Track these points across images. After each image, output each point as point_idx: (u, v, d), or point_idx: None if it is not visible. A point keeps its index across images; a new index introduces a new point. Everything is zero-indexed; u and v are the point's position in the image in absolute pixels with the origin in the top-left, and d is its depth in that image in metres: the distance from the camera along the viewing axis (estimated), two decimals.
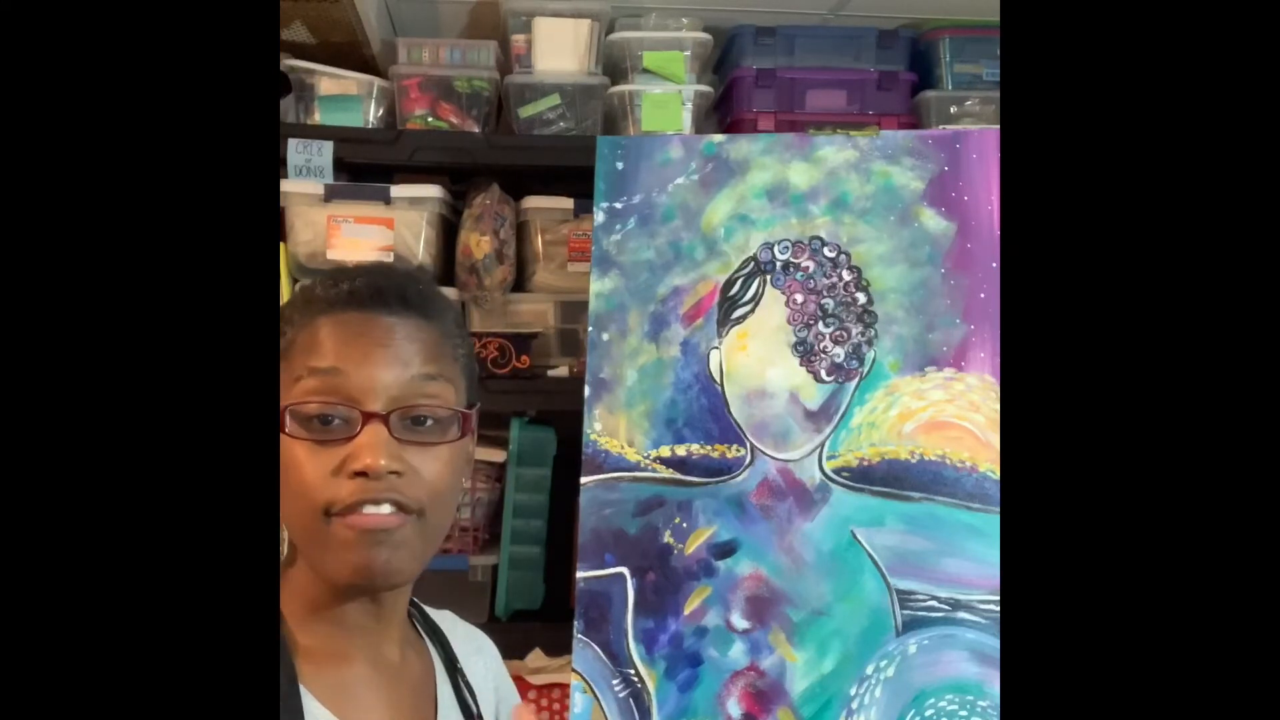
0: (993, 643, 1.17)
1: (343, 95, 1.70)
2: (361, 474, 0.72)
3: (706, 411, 1.28)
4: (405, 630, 0.84)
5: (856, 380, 1.27)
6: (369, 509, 0.72)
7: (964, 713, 1.16)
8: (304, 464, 0.73)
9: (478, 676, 0.89)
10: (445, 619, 0.93)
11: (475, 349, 1.34)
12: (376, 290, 0.78)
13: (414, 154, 1.65)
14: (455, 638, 0.91)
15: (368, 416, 0.73)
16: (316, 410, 0.73)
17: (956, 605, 1.19)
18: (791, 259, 1.31)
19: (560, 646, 1.24)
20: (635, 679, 1.22)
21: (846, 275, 1.30)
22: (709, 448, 1.27)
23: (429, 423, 0.76)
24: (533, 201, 1.68)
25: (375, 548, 0.73)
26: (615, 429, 1.29)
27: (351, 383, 0.74)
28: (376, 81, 1.71)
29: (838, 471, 1.25)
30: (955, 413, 1.24)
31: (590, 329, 1.33)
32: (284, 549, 0.81)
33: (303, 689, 0.73)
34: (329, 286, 0.78)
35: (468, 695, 0.85)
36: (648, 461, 1.28)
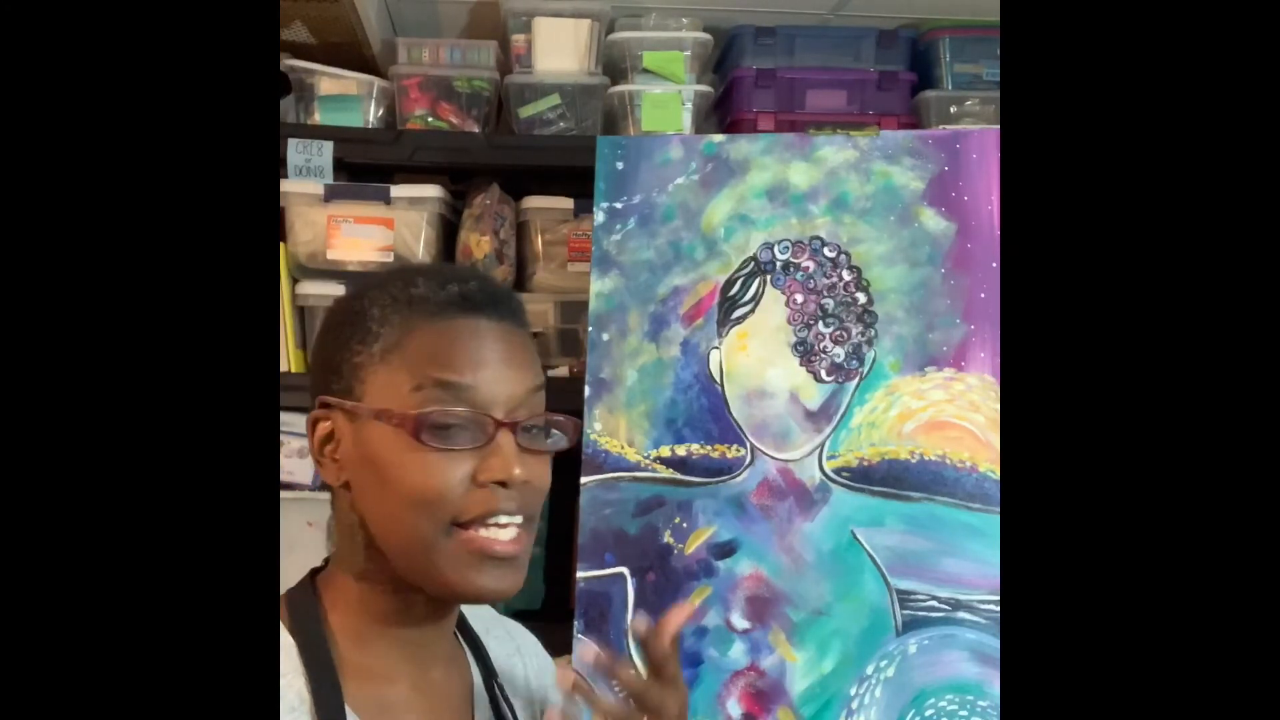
0: (993, 643, 1.17)
1: (343, 95, 1.70)
2: (499, 484, 0.72)
3: (706, 411, 1.29)
4: (450, 644, 0.83)
5: (856, 380, 1.27)
6: (503, 519, 0.72)
7: (964, 713, 1.16)
8: (431, 471, 0.71)
9: (517, 683, 0.88)
10: (482, 618, 0.91)
11: None
12: (488, 295, 0.76)
13: (414, 154, 1.65)
14: (492, 640, 0.89)
15: (499, 425, 0.72)
16: (445, 419, 0.72)
17: (956, 605, 1.19)
18: (791, 259, 1.31)
19: (560, 646, 1.24)
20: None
21: (846, 275, 1.30)
22: (709, 448, 1.27)
23: (538, 431, 0.76)
24: (533, 201, 1.68)
25: (497, 569, 0.73)
26: (615, 429, 1.29)
27: (479, 391, 0.72)
28: (376, 81, 1.71)
29: (838, 471, 1.25)
30: (955, 413, 1.24)
31: (590, 329, 1.33)
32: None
33: (347, 708, 0.72)
34: (435, 288, 0.75)
35: (505, 709, 0.84)
36: (648, 461, 1.28)
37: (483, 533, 0.72)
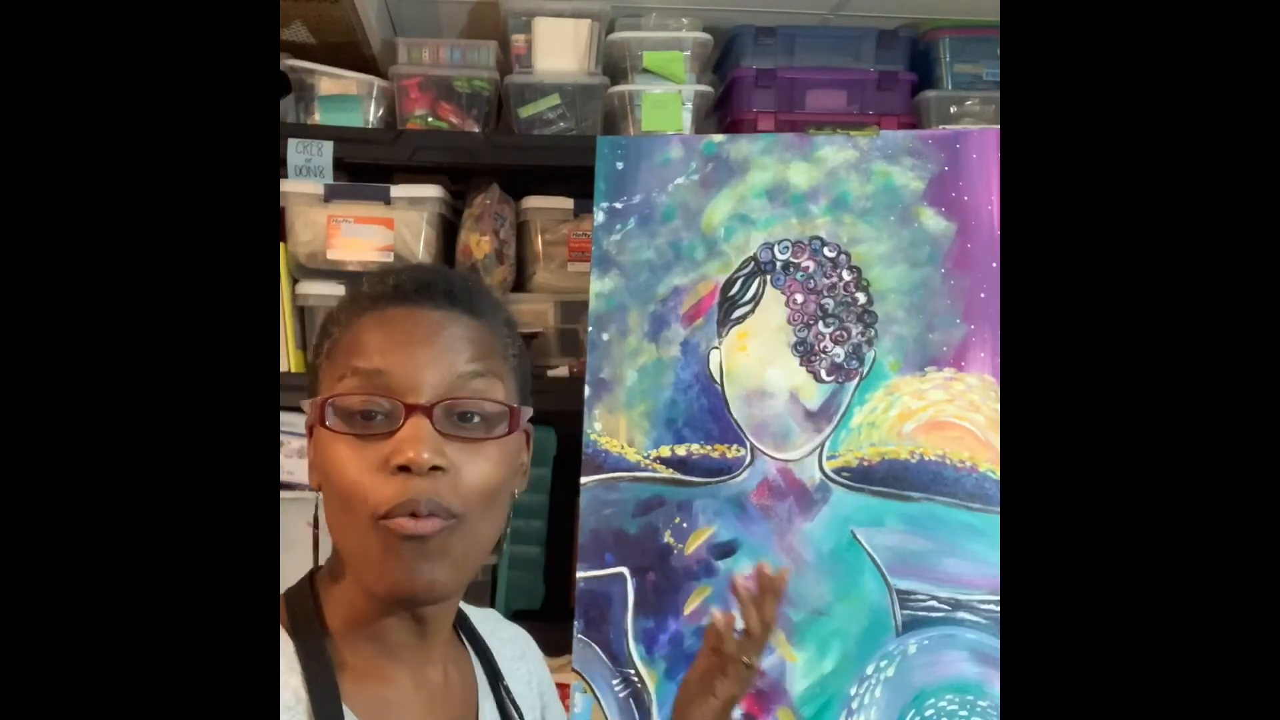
0: (993, 643, 1.17)
1: (343, 95, 1.70)
2: (404, 469, 0.68)
3: (706, 411, 1.29)
4: (449, 645, 0.82)
5: (856, 380, 1.27)
6: (416, 511, 0.69)
7: (964, 713, 1.16)
8: (346, 461, 0.70)
9: (520, 685, 0.87)
10: (488, 620, 0.90)
11: None
12: (422, 284, 0.75)
13: (414, 154, 1.65)
14: (498, 642, 0.88)
15: (410, 409, 0.70)
16: (359, 405, 0.70)
17: (956, 605, 1.19)
18: (791, 259, 1.31)
19: (560, 646, 1.24)
20: (635, 679, 1.22)
21: (846, 275, 1.30)
22: (709, 448, 1.27)
23: (475, 419, 0.72)
24: (533, 201, 1.68)
25: (416, 558, 0.69)
26: (615, 429, 1.29)
27: (395, 377, 0.71)
28: (376, 81, 1.71)
29: (838, 471, 1.25)
30: (955, 413, 1.24)
31: (590, 329, 1.33)
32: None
33: (345, 708, 0.71)
34: (374, 283, 0.76)
35: (511, 710, 0.83)
36: (648, 461, 1.28)
37: (399, 520, 0.69)
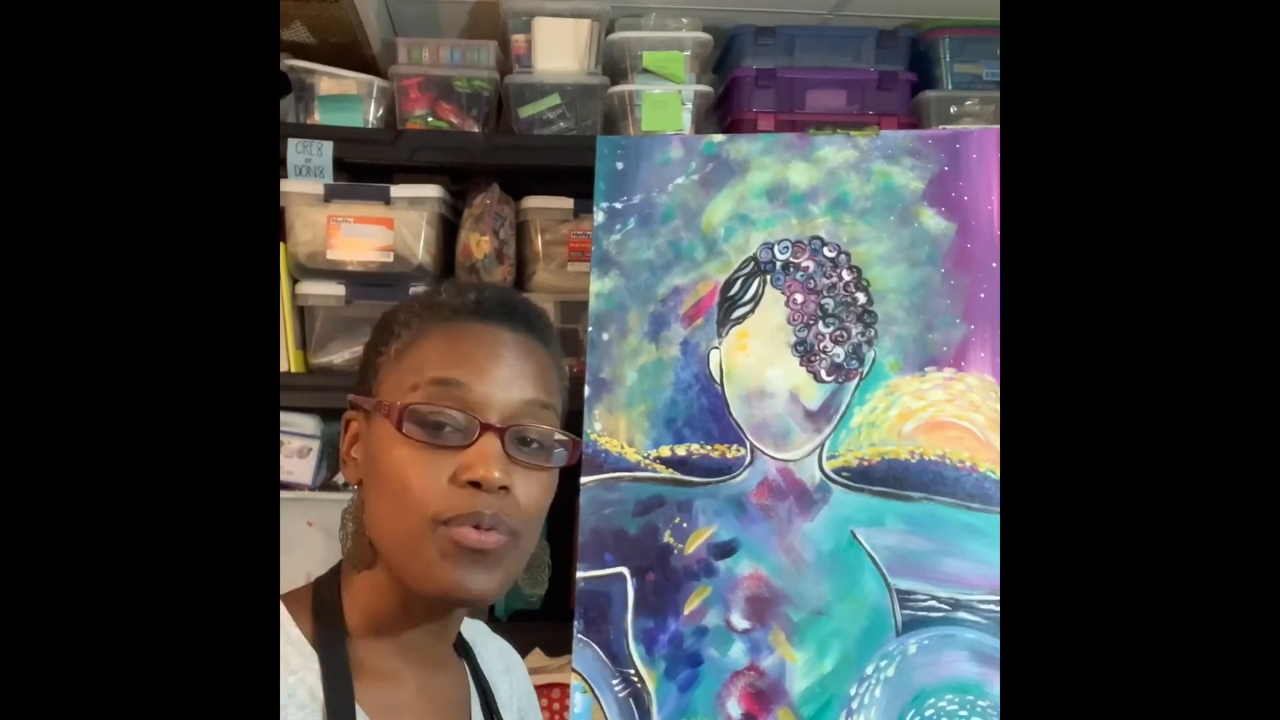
0: (993, 643, 1.17)
1: (343, 95, 1.70)
2: (474, 484, 0.71)
3: (706, 411, 1.28)
4: (450, 651, 0.84)
5: (856, 380, 1.27)
6: (478, 523, 0.71)
7: (964, 713, 1.16)
8: (410, 465, 0.72)
9: (503, 697, 0.89)
10: (476, 632, 0.92)
11: None
12: (504, 304, 0.78)
13: (414, 154, 1.65)
14: (486, 653, 0.89)
15: (485, 427, 0.73)
16: (433, 415, 0.73)
17: (956, 605, 1.19)
18: (791, 259, 1.31)
19: (560, 646, 1.24)
20: (635, 679, 1.22)
21: (846, 275, 1.30)
22: (709, 448, 1.27)
23: (535, 445, 0.75)
24: (533, 201, 1.68)
25: (473, 567, 0.72)
26: (615, 429, 1.29)
27: (472, 392, 0.73)
28: (376, 81, 1.71)
29: (838, 471, 1.25)
30: (955, 413, 1.24)
31: (590, 329, 1.33)
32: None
33: (359, 709, 0.72)
34: (454, 295, 0.78)
35: None
36: (648, 461, 1.28)
37: (462, 528, 0.72)
